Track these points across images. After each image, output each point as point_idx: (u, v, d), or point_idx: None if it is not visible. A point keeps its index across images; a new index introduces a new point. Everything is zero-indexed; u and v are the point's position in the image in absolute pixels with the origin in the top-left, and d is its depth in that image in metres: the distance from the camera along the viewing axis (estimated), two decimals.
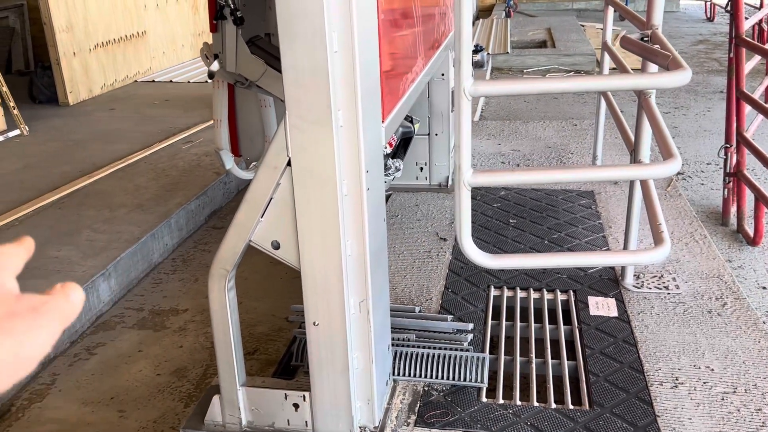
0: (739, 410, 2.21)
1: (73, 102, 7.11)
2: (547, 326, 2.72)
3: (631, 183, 2.91)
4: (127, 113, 6.70)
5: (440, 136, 4.10)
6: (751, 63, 4.36)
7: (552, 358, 2.54)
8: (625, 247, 3.04)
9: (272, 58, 2.83)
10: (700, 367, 2.42)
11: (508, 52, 9.39)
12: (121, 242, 3.77)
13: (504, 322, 2.77)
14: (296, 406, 2.11)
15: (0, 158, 5.39)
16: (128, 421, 2.66)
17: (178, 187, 4.60)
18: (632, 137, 2.87)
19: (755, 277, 3.76)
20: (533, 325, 2.74)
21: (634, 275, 3.01)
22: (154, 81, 8.18)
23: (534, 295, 2.95)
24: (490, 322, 2.78)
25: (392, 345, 2.40)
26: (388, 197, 4.10)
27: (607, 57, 3.89)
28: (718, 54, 9.99)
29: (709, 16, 13.48)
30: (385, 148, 2.16)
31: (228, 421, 2.17)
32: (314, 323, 1.97)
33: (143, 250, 3.83)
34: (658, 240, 2.07)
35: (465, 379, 2.35)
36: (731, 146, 4.32)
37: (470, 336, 2.59)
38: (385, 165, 3.03)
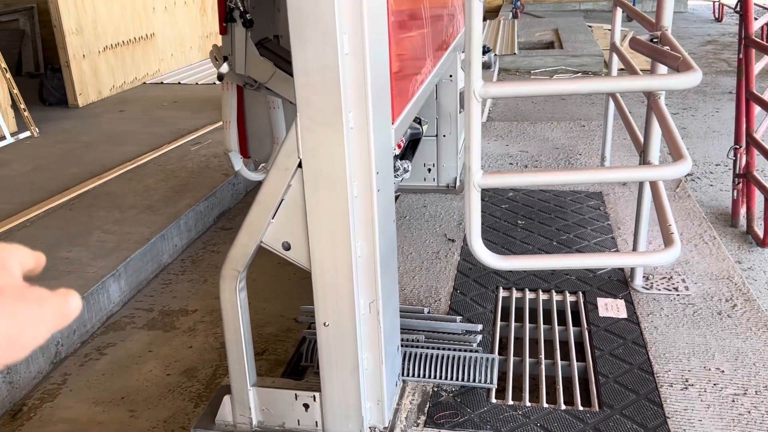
0: (749, 412, 2.20)
1: (82, 104, 7.15)
2: (556, 327, 2.72)
3: (641, 184, 2.90)
4: (136, 115, 6.73)
5: (448, 138, 4.10)
6: (760, 64, 4.34)
7: (561, 360, 2.54)
8: (635, 249, 3.03)
9: (281, 60, 2.84)
10: (710, 369, 2.42)
11: (515, 53, 9.39)
12: (131, 243, 3.79)
13: (513, 324, 2.78)
14: (306, 406, 2.11)
15: (11, 160, 5.42)
16: (139, 421, 2.67)
17: (187, 188, 4.62)
18: (641, 138, 2.87)
19: (765, 278, 3.75)
20: (542, 326, 2.74)
21: (644, 276, 3.00)
22: (162, 83, 8.22)
23: (543, 296, 2.95)
24: (499, 323, 2.78)
25: (401, 346, 2.40)
26: (396, 198, 4.10)
27: (615, 58, 3.88)
28: (726, 54, 9.95)
29: (717, 16, 13.43)
30: (394, 149, 2.16)
31: (239, 421, 2.18)
32: (324, 324, 1.98)
33: (153, 251, 3.85)
34: (667, 241, 2.07)
35: (474, 380, 2.36)
36: (741, 147, 4.31)
37: (479, 337, 2.59)
38: (394, 166, 3.03)
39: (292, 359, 2.71)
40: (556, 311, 2.85)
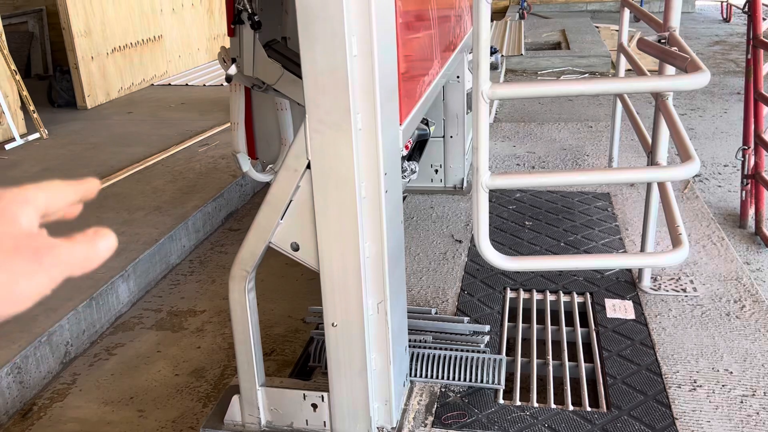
0: (758, 413, 2.20)
1: (91, 106, 7.19)
2: (564, 328, 2.72)
3: (649, 185, 2.90)
4: (144, 116, 6.76)
5: (455, 139, 4.11)
6: None
7: (569, 360, 2.54)
8: (642, 250, 3.03)
9: (289, 61, 2.86)
10: (718, 370, 2.41)
11: (522, 54, 9.38)
12: (140, 244, 3.81)
13: (520, 324, 2.78)
14: (315, 406, 2.12)
15: (20, 161, 5.46)
16: (148, 421, 2.69)
17: (195, 189, 4.64)
18: (649, 139, 2.87)
19: None
20: (550, 327, 2.74)
21: (652, 277, 3.00)
22: (170, 84, 8.25)
23: (550, 297, 2.95)
24: (506, 324, 2.78)
25: (409, 346, 2.41)
26: (403, 199, 4.11)
27: (623, 59, 3.88)
28: (734, 55, 9.92)
29: (725, 16, 13.39)
30: (402, 150, 2.17)
31: (247, 421, 2.19)
32: (333, 324, 1.99)
33: (161, 251, 3.86)
34: (676, 242, 2.07)
35: (482, 381, 2.36)
36: (749, 148, 4.29)
37: (487, 338, 2.59)
38: (401, 167, 3.04)
39: (300, 360, 2.72)
40: (564, 312, 2.85)
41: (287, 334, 3.22)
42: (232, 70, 2.95)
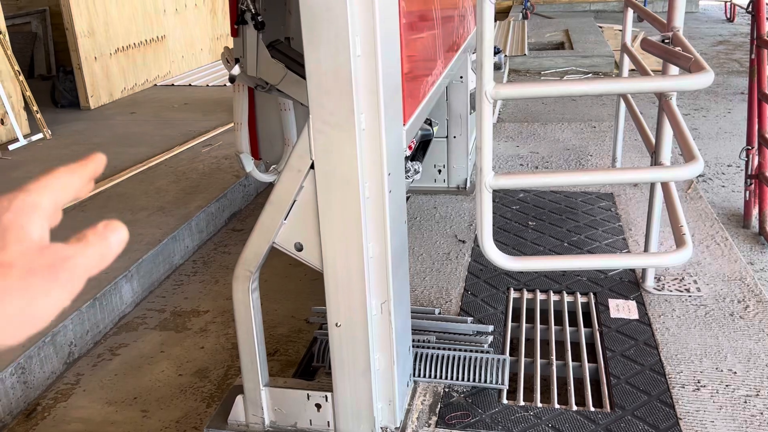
0: (762, 413, 2.19)
1: (94, 106, 7.20)
2: (568, 329, 2.72)
3: (652, 185, 2.89)
4: (147, 117, 6.77)
5: (458, 139, 4.11)
6: None
7: (573, 361, 2.53)
8: (646, 250, 3.03)
9: (292, 62, 2.85)
10: (722, 370, 2.41)
11: (525, 54, 9.38)
12: (143, 244, 3.81)
13: (524, 325, 2.78)
14: (318, 406, 2.12)
15: (23, 162, 5.47)
16: (151, 421, 2.69)
17: (198, 189, 4.64)
18: (653, 139, 2.87)
19: None
20: (553, 327, 2.74)
21: (655, 278, 3.00)
22: (173, 85, 8.26)
23: (554, 297, 2.95)
24: (510, 324, 2.78)
25: (413, 346, 2.41)
26: (406, 199, 4.11)
27: (626, 59, 3.87)
28: (738, 55, 9.90)
29: (729, 16, 13.37)
30: (405, 150, 2.17)
31: (251, 421, 2.19)
32: (336, 324, 1.99)
33: (164, 252, 3.87)
34: (679, 242, 2.06)
35: (485, 381, 2.36)
36: (753, 148, 4.29)
37: (490, 338, 2.59)
38: (405, 167, 3.04)
39: (304, 360, 2.72)
40: (567, 312, 2.85)
41: (291, 335, 3.23)
42: (236, 70, 2.95)
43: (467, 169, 4.17)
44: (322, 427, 2.14)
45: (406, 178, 3.12)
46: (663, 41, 2.40)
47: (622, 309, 2.81)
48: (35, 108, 6.11)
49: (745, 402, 2.25)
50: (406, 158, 3.15)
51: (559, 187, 4.07)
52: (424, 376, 2.40)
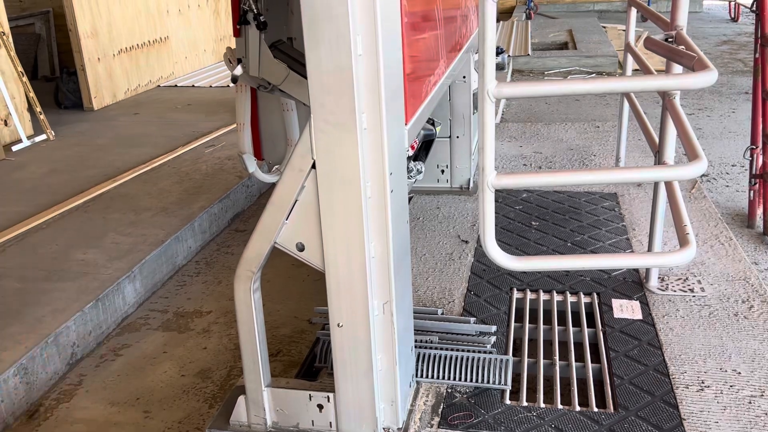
0: (766, 414, 2.18)
1: (97, 107, 7.21)
2: (571, 329, 2.71)
3: (656, 185, 2.88)
4: (151, 118, 6.78)
5: (461, 139, 4.10)
6: None
7: (576, 361, 2.52)
8: (650, 250, 3.01)
9: (295, 62, 2.85)
10: (726, 371, 2.40)
11: (528, 54, 9.36)
12: (146, 245, 3.81)
13: (527, 325, 2.77)
14: (320, 407, 2.12)
15: (27, 163, 5.48)
16: (154, 422, 2.69)
17: (201, 190, 4.64)
18: (656, 139, 2.86)
19: None
20: (556, 327, 2.73)
21: (659, 278, 2.98)
22: (176, 86, 8.28)
23: (557, 297, 2.94)
24: (513, 324, 2.77)
25: (415, 347, 2.40)
26: (409, 200, 4.11)
27: (630, 58, 3.86)
28: (742, 54, 9.87)
29: (733, 16, 13.33)
30: (408, 150, 2.17)
31: (253, 422, 2.19)
32: (338, 325, 1.98)
33: (167, 252, 3.87)
34: (683, 242, 2.05)
35: (488, 381, 2.35)
36: (757, 147, 4.27)
37: (493, 338, 2.59)
38: (407, 167, 3.04)
39: (306, 360, 2.71)
40: (571, 312, 2.84)
41: (293, 335, 3.22)
42: (238, 70, 2.95)
43: (470, 169, 4.16)
44: (324, 427, 2.14)
45: (409, 178, 3.11)
46: (666, 40, 2.38)
47: (626, 309, 2.80)
48: (38, 109, 6.12)
49: (750, 402, 2.24)
50: (409, 158, 3.14)
51: (562, 186, 4.06)
52: (427, 377, 2.40)
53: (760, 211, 4.29)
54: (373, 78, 1.76)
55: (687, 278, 3.00)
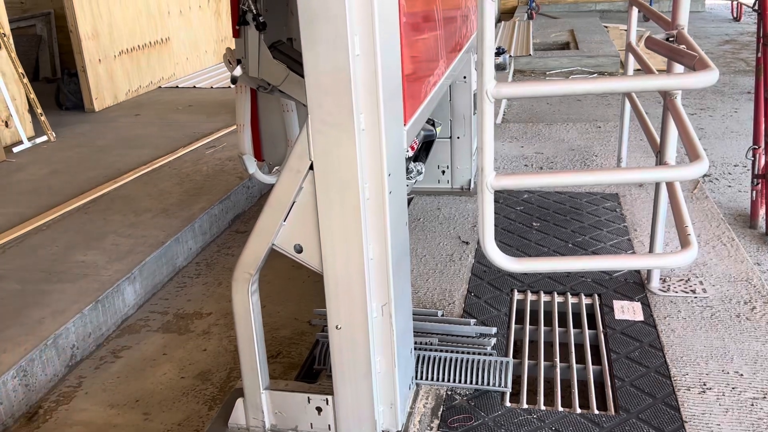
0: None
1: (98, 108, 7.21)
2: (572, 330, 2.70)
3: (657, 185, 2.87)
4: (152, 119, 6.78)
5: (462, 139, 4.09)
6: None
7: (577, 363, 2.51)
8: (651, 250, 3.00)
9: (294, 62, 2.84)
10: (728, 372, 2.38)
11: (530, 54, 9.35)
12: (146, 246, 3.80)
13: (528, 326, 2.75)
14: (319, 409, 2.11)
15: (28, 164, 5.48)
16: (153, 424, 2.68)
17: (202, 191, 4.64)
18: (657, 139, 2.84)
19: None
20: (557, 329, 2.71)
21: (660, 279, 2.97)
22: (177, 87, 8.27)
23: (558, 298, 2.92)
24: (513, 326, 2.76)
25: (415, 349, 2.39)
26: (409, 201, 4.09)
27: (631, 58, 3.85)
28: (745, 54, 9.84)
29: (735, 15, 13.30)
30: (407, 151, 2.15)
31: (252, 425, 2.18)
32: (337, 327, 1.97)
33: (168, 254, 3.86)
34: (684, 243, 2.04)
35: (488, 384, 2.34)
36: (759, 147, 4.25)
37: (493, 340, 2.57)
38: (407, 168, 3.02)
39: (306, 362, 2.70)
40: (572, 314, 2.82)
41: (293, 337, 3.21)
42: (237, 71, 2.94)
43: (471, 169, 4.14)
44: (323, 430, 2.13)
45: (409, 179, 3.10)
46: (668, 39, 2.37)
47: (627, 310, 2.79)
48: (39, 110, 6.12)
49: (752, 405, 2.22)
50: (409, 159, 3.13)
51: (563, 187, 4.04)
52: (427, 379, 2.38)
53: (762, 212, 4.27)
54: (371, 78, 1.75)
55: (689, 279, 2.98)
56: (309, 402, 2.11)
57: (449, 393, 2.35)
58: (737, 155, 5.62)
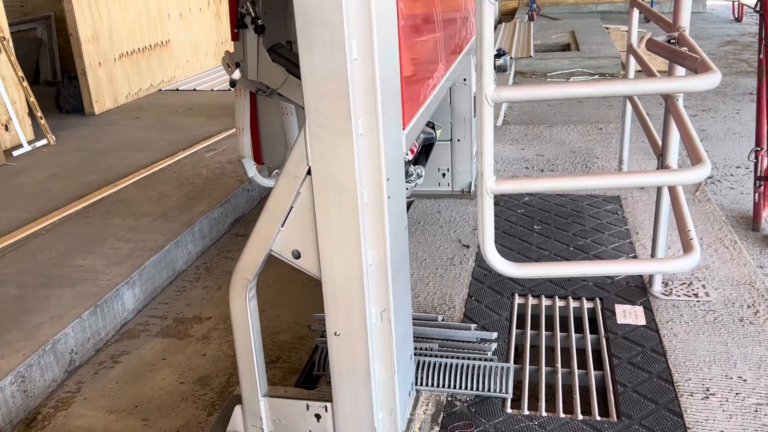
0: None
1: (98, 111, 7.20)
2: (573, 335, 2.67)
3: (659, 188, 2.85)
4: (152, 122, 6.77)
5: (462, 142, 4.07)
6: None
7: (578, 368, 2.49)
8: (653, 254, 2.98)
9: (293, 65, 2.82)
10: (732, 378, 2.36)
11: (531, 56, 9.33)
12: (146, 250, 3.79)
13: (529, 331, 2.73)
14: (318, 416, 2.09)
15: (28, 167, 5.46)
16: (152, 430, 2.66)
17: (201, 195, 4.62)
18: (659, 141, 2.82)
19: None
20: (559, 334, 2.69)
21: (663, 282, 2.94)
22: (177, 90, 8.26)
23: (559, 303, 2.90)
24: (514, 331, 2.74)
25: (415, 354, 2.37)
26: (410, 204, 4.07)
27: (632, 60, 3.82)
28: (746, 55, 9.81)
29: (736, 16, 13.26)
30: (407, 154, 2.13)
31: None
32: (335, 333, 1.95)
33: (167, 258, 3.84)
34: (687, 247, 2.01)
35: (489, 390, 2.31)
36: (762, 149, 4.23)
37: (494, 345, 2.55)
38: (407, 171, 3.00)
39: (306, 367, 2.68)
40: (573, 318, 2.80)
41: (294, 341, 3.19)
42: (236, 74, 2.92)
43: (471, 172, 4.12)
44: None
45: (409, 183, 3.08)
46: (669, 41, 2.35)
47: (629, 315, 2.76)
48: (39, 114, 6.11)
49: (756, 410, 2.20)
50: (409, 162, 3.11)
51: (563, 191, 4.02)
52: (427, 385, 2.36)
53: (765, 214, 4.25)
54: (369, 82, 1.73)
55: (691, 283, 2.96)
56: (308, 409, 2.09)
57: (450, 399, 2.33)
58: (739, 157, 5.60)
